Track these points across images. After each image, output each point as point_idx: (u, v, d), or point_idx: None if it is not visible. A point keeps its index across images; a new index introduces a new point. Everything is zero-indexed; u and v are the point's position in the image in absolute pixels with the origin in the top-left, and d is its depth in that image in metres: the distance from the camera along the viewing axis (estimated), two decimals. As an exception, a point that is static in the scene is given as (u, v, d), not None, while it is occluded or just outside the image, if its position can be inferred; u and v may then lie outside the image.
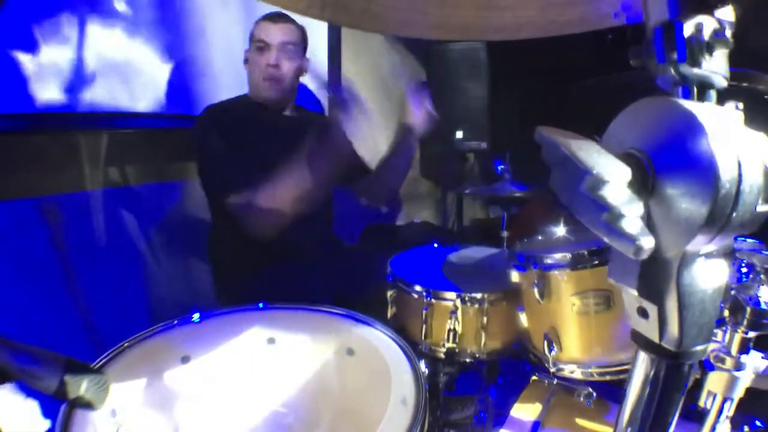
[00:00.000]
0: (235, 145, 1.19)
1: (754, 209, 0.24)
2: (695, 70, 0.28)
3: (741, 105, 0.28)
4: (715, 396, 0.47)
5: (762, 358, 0.47)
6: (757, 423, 0.70)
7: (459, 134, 2.14)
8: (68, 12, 1.19)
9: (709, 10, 0.28)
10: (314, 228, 1.33)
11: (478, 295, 0.92)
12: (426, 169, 2.68)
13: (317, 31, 1.91)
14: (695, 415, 0.49)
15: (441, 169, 2.56)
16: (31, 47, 1.13)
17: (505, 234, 1.72)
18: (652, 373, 0.29)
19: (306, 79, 1.43)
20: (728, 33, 0.28)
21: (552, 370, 0.83)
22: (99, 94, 1.28)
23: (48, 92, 1.18)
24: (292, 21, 1.29)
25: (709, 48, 0.28)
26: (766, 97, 0.74)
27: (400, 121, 1.37)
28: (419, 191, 2.70)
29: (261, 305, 0.83)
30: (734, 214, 0.24)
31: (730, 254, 0.27)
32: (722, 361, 0.47)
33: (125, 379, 0.64)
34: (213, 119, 1.24)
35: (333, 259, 1.31)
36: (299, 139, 1.26)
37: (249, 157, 1.18)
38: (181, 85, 1.48)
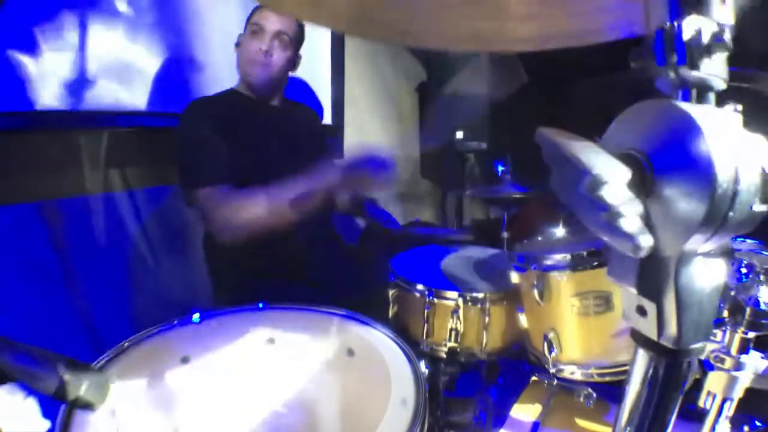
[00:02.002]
0: (220, 138, 1.17)
1: (750, 209, 0.24)
2: (694, 73, 0.28)
3: (740, 107, 0.28)
4: (714, 396, 0.47)
5: (762, 358, 0.47)
6: (757, 423, 0.70)
7: (459, 135, 2.14)
8: (69, 11, 1.19)
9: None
10: (313, 226, 1.34)
11: (480, 295, 0.92)
12: (426, 170, 2.68)
13: (321, 32, 1.92)
14: (695, 415, 0.49)
15: (441, 170, 2.56)
16: (32, 47, 1.13)
17: (505, 235, 1.72)
18: (650, 371, 0.29)
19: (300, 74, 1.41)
20: (727, 36, 0.28)
21: (552, 371, 0.83)
22: (100, 93, 1.28)
23: (48, 92, 1.18)
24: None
25: (709, 51, 0.28)
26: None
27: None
28: (419, 191, 2.70)
29: (261, 305, 0.83)
30: (731, 214, 0.24)
31: (728, 254, 0.27)
32: (722, 361, 0.47)
33: (125, 379, 0.64)
34: (197, 113, 1.22)
35: (333, 259, 1.31)
36: (287, 131, 1.27)
37: (233, 149, 1.16)
38: (182, 84, 1.48)
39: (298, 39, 1.32)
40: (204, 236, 1.34)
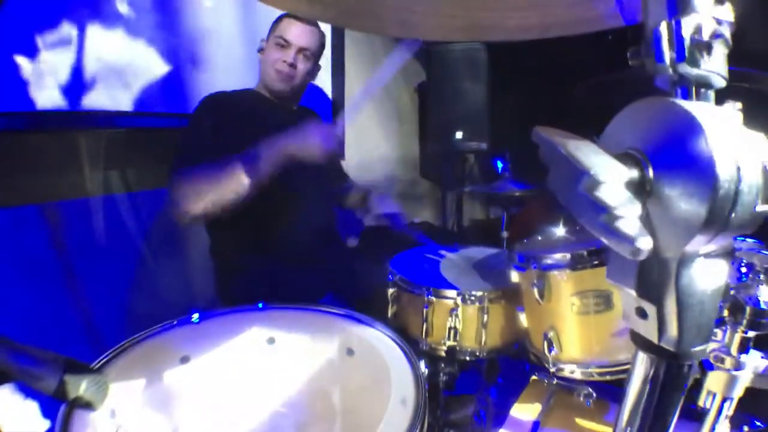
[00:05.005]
0: (231, 132, 1.17)
1: (753, 209, 0.24)
2: (694, 70, 0.28)
3: (740, 105, 0.28)
4: (714, 395, 0.47)
5: (761, 357, 0.47)
6: (757, 423, 0.70)
7: (459, 135, 2.14)
8: (68, 12, 1.19)
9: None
10: (318, 226, 1.35)
11: (479, 293, 0.92)
12: (426, 169, 2.68)
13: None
14: (695, 414, 0.49)
15: (441, 170, 2.56)
16: (31, 47, 1.13)
17: (504, 234, 1.72)
18: (651, 373, 0.29)
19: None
20: (727, 33, 0.28)
21: (552, 370, 0.83)
22: (100, 94, 1.28)
23: (49, 93, 1.18)
24: (316, 24, 1.31)
25: (708, 48, 0.28)
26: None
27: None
28: (419, 191, 2.70)
29: (261, 305, 0.83)
30: (733, 215, 0.23)
31: (729, 254, 0.27)
32: (722, 360, 0.46)
33: (125, 379, 0.64)
34: (213, 105, 1.24)
35: (333, 259, 1.31)
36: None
37: (243, 146, 1.15)
38: (182, 83, 1.48)
39: (319, 52, 1.37)
40: (208, 229, 1.33)
